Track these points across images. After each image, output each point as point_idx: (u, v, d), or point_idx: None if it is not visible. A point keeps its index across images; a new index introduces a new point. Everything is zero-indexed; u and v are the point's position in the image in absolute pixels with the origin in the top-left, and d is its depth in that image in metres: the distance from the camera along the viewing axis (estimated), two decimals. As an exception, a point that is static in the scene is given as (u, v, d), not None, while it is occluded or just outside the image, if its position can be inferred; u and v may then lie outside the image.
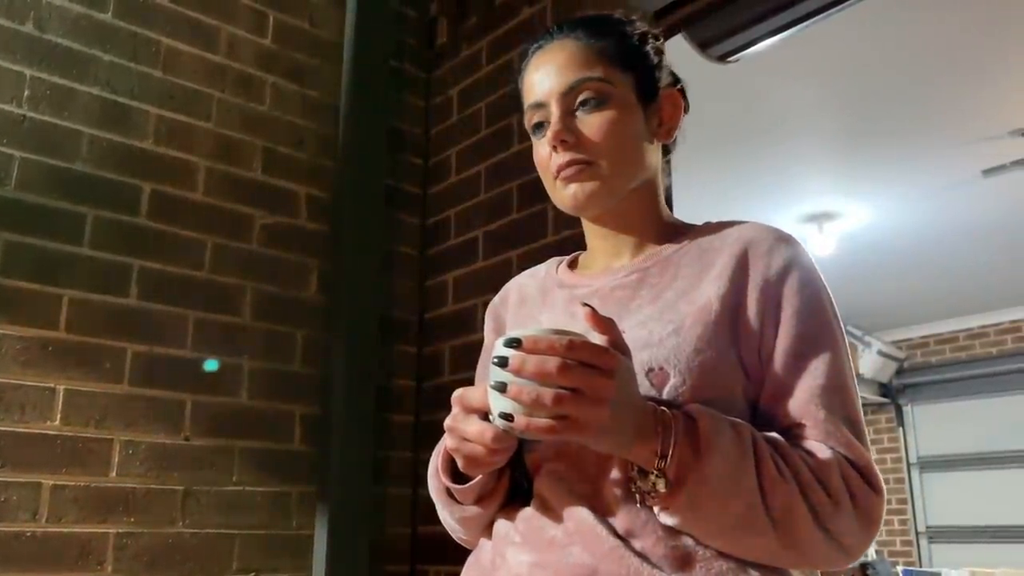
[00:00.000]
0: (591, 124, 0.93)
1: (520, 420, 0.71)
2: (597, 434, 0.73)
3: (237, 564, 1.99)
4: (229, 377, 2.07)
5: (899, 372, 7.06)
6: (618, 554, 0.79)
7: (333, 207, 2.33)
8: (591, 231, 1.03)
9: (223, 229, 2.13)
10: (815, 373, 0.84)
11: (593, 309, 0.75)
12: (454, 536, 1.00)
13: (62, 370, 1.82)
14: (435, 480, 0.95)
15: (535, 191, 2.10)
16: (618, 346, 0.76)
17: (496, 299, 1.13)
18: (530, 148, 1.00)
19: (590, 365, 0.71)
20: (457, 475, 0.91)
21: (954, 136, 3.96)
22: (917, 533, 6.73)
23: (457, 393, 0.83)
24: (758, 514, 0.76)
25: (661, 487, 0.76)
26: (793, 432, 0.84)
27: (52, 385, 1.80)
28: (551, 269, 1.08)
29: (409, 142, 2.57)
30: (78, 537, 1.78)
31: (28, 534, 1.72)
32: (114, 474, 1.85)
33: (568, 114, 0.93)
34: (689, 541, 0.80)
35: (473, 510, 0.91)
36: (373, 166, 2.40)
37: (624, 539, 0.80)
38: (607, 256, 1.01)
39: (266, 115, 2.27)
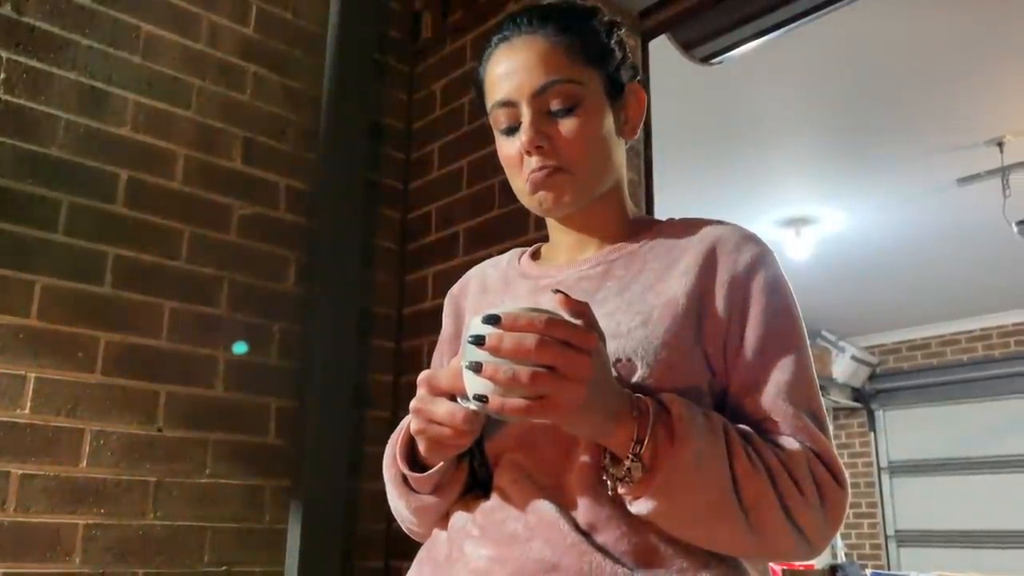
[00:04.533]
0: (566, 129, 0.91)
1: (495, 400, 0.69)
2: (573, 415, 0.71)
3: (208, 557, 1.97)
4: (204, 368, 2.04)
5: (872, 377, 7.14)
6: (580, 549, 0.78)
7: (313, 199, 2.32)
8: (555, 226, 1.02)
9: (201, 219, 2.10)
10: (783, 369, 0.85)
11: (565, 294, 0.74)
12: (404, 527, 0.99)
13: (34, 358, 1.79)
14: (391, 468, 0.93)
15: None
16: (593, 329, 0.75)
17: (455, 287, 1.12)
18: None
19: (567, 344, 0.69)
20: (414, 463, 0.90)
21: (931, 144, 4.02)
22: (886, 537, 6.80)
23: (424, 374, 0.83)
24: (729, 503, 0.76)
25: (637, 472, 0.75)
26: (762, 426, 0.84)
27: (23, 373, 1.77)
28: (513, 260, 1.07)
29: (391, 136, 2.56)
30: (47, 527, 1.75)
31: (-5, 524, 1.69)
32: (84, 464, 1.82)
33: (541, 116, 0.91)
34: (652, 537, 0.80)
35: (430, 499, 0.90)
36: (354, 159, 2.38)
37: (586, 533, 0.80)
38: (571, 249, 1.00)
39: (247, 105, 2.25)
